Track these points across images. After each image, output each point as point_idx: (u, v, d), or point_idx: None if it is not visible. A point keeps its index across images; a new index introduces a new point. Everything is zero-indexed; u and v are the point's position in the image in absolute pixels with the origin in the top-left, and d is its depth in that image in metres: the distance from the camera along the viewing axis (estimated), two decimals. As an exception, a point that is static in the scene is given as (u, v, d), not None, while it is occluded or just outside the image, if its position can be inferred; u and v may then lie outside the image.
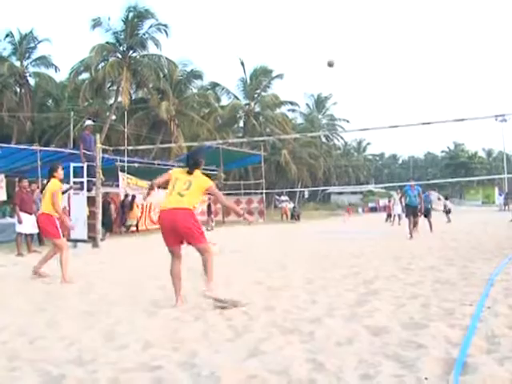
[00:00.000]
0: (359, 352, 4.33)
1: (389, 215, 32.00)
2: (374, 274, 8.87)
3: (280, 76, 53.18)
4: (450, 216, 30.02)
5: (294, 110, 63.50)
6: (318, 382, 3.66)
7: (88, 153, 16.30)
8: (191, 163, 6.74)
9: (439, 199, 43.82)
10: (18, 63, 42.68)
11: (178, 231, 6.43)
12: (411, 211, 17.21)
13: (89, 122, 17.66)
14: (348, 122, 76.60)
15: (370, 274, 8.81)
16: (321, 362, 4.08)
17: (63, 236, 9.37)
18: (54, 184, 9.27)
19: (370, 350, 4.37)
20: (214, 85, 51.60)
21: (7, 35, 42.32)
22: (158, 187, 7.12)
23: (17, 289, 8.18)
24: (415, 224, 17.16)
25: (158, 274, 9.36)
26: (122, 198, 22.34)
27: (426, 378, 3.62)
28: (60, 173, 9.50)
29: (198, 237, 6.49)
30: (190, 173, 6.67)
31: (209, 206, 27.87)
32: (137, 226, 23.11)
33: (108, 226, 18.80)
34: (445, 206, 32.51)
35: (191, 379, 3.82)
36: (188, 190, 6.48)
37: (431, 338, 4.66)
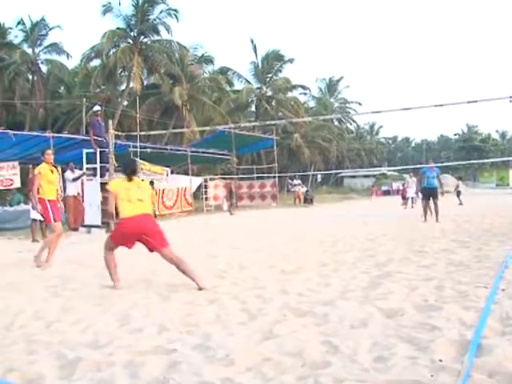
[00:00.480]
0: (373, 334, 4.33)
1: (403, 197, 31.85)
2: (387, 256, 8.85)
3: (291, 60, 52.86)
4: (461, 198, 29.95)
5: (305, 94, 63.28)
6: (332, 365, 3.67)
7: (99, 139, 16.34)
8: (129, 172, 7.10)
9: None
10: (29, 50, 42.71)
11: (147, 235, 6.75)
12: (428, 193, 16.74)
13: (97, 108, 17.68)
14: (360, 104, 76.24)
15: (383, 257, 8.79)
16: (335, 344, 4.09)
17: (54, 220, 9.31)
18: (39, 167, 9.43)
19: (384, 333, 4.37)
20: (226, 69, 51.40)
21: (18, 23, 42.41)
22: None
23: (33, 274, 8.26)
24: (435, 207, 16.56)
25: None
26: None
27: (440, 360, 3.62)
28: (49, 154, 9.62)
29: (164, 241, 6.87)
30: (131, 180, 7.04)
31: (230, 192, 28.13)
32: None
33: None
34: (456, 187, 32.41)
35: (206, 362, 3.84)
36: (143, 195, 6.94)
37: (445, 320, 4.65)
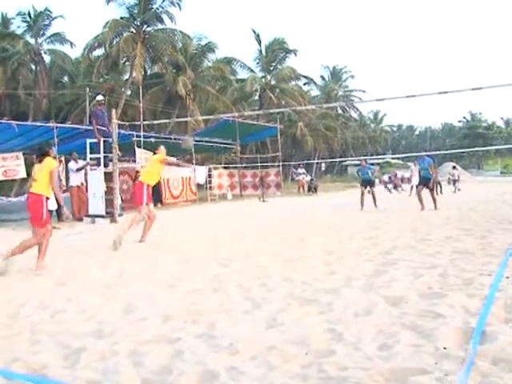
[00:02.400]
0: (377, 322, 4.33)
1: (395, 186, 33.09)
2: (391, 244, 8.84)
3: (295, 52, 52.68)
4: (458, 185, 30.43)
5: (309, 83, 63.07)
6: (336, 353, 3.67)
7: (103, 128, 16.30)
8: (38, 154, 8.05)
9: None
10: (32, 41, 42.66)
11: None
12: (423, 183, 16.92)
13: (100, 97, 17.60)
14: (364, 92, 76.00)
15: (387, 245, 8.78)
16: (339, 332, 4.09)
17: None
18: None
19: (388, 320, 4.37)
20: (229, 58, 51.24)
21: (19, 13, 42.35)
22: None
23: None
24: (432, 197, 16.63)
25: (177, 248, 9.44)
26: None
27: (444, 348, 3.61)
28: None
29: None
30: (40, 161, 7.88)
31: (261, 179, 28.54)
32: (161, 199, 23.48)
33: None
34: (452, 176, 32.62)
35: (210, 350, 3.85)
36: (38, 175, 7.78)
37: (449, 307, 4.64)
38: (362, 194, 18.04)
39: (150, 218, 10.38)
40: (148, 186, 10.27)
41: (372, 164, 27.92)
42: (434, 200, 16.48)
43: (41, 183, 7.82)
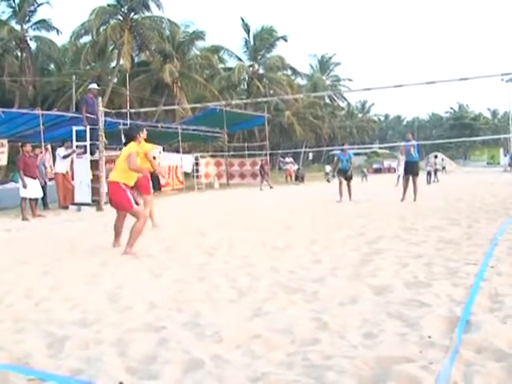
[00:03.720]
0: (363, 311, 4.34)
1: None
2: (378, 234, 8.85)
3: (284, 38, 52.55)
4: (438, 176, 30.97)
5: (295, 74, 63.00)
6: (321, 341, 3.67)
7: (92, 116, 16.19)
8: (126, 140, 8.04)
9: (443, 160, 43.95)
10: (18, 27, 42.15)
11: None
12: (408, 168, 16.12)
13: (93, 86, 17.44)
14: (351, 80, 76.20)
15: (373, 235, 8.79)
16: (325, 321, 4.09)
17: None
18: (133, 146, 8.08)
19: (374, 309, 4.38)
20: (217, 47, 51.01)
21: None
22: None
23: (22, 253, 8.20)
24: (414, 185, 15.87)
25: (163, 236, 9.41)
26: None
27: (429, 337, 3.62)
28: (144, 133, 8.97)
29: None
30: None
31: (262, 168, 28.83)
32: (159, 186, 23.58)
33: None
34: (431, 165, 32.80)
35: (195, 339, 3.83)
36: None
37: (435, 296, 4.66)
38: (340, 183, 16.91)
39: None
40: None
41: (358, 154, 28.13)
42: (414, 189, 15.81)
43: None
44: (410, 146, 16.28)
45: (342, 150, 18.14)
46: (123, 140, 8.25)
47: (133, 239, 7.58)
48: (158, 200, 19.45)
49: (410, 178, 16.09)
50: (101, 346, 3.76)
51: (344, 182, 16.92)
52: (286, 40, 52.67)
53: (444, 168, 41.91)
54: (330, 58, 74.82)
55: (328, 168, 36.75)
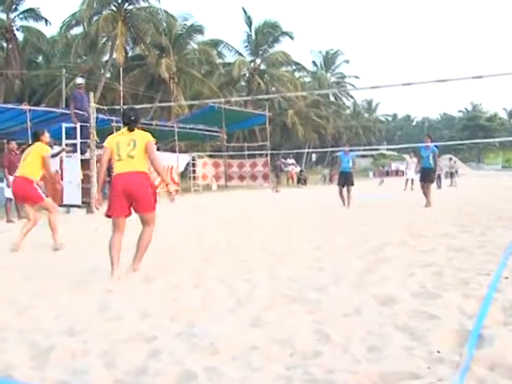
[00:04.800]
0: (367, 323, 4.32)
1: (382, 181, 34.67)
2: (384, 240, 8.83)
3: (290, 33, 52.61)
4: (455, 180, 31.10)
5: (300, 70, 63.09)
6: (323, 354, 3.65)
7: (81, 112, 16.19)
8: (126, 121, 6.62)
9: (455, 162, 44.15)
10: (3, 16, 42.05)
11: (132, 197, 6.37)
12: (423, 174, 16.31)
13: (80, 80, 17.45)
14: (358, 77, 76.33)
15: (379, 241, 8.77)
16: (326, 332, 4.08)
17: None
18: (41, 148, 9.19)
19: (379, 321, 4.36)
20: (216, 40, 51.03)
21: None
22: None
23: (6, 257, 8.19)
24: (426, 190, 15.99)
25: (157, 240, 9.38)
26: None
27: (438, 351, 3.60)
28: (47, 136, 9.54)
29: (150, 205, 6.51)
30: (131, 130, 6.56)
31: (277, 168, 29.38)
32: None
33: None
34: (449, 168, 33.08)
35: (189, 350, 3.82)
36: (134, 151, 6.39)
37: (444, 308, 4.63)
38: (341, 191, 16.70)
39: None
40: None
41: (365, 156, 28.40)
42: (427, 195, 15.89)
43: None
44: (429, 153, 16.25)
45: (344, 150, 17.92)
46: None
47: None
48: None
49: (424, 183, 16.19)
50: (88, 356, 3.74)
51: (344, 189, 16.61)
52: (291, 37, 52.69)
53: (456, 171, 42.12)
54: (335, 53, 74.91)
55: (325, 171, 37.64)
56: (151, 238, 6.71)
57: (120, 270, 6.44)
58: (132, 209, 6.49)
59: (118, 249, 6.48)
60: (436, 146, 17.10)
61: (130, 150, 6.36)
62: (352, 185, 16.66)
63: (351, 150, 18.44)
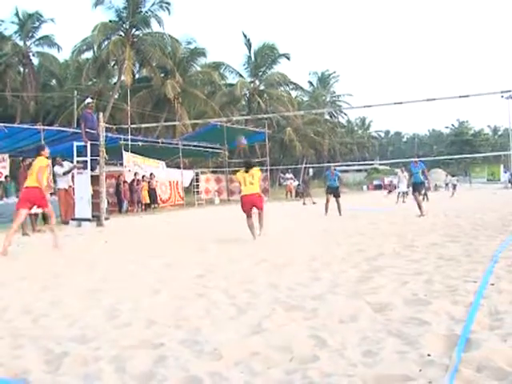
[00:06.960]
0: (362, 329, 4.32)
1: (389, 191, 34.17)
2: (377, 251, 8.83)
3: (286, 55, 52.93)
4: (456, 190, 31.19)
5: (296, 89, 63.31)
6: (320, 359, 3.65)
7: (92, 131, 16.24)
8: (246, 166, 11.72)
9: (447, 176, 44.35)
10: (21, 43, 42.40)
11: (253, 203, 11.22)
12: (415, 188, 16.94)
13: (89, 100, 17.52)
14: (351, 95, 76.66)
15: (373, 251, 8.77)
16: (323, 338, 4.07)
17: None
18: (41, 160, 10.39)
19: (373, 327, 4.36)
20: (218, 63, 51.29)
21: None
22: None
23: (21, 268, 8.20)
24: (418, 203, 16.43)
25: (162, 253, 9.40)
26: (132, 178, 22.55)
27: (428, 355, 3.60)
28: (46, 151, 10.74)
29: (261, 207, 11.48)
30: (247, 171, 11.49)
31: (305, 183, 30.16)
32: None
33: None
34: (450, 181, 33.30)
35: (194, 356, 3.82)
36: (253, 180, 11.35)
37: (434, 314, 4.63)
38: (327, 201, 18.22)
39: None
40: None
41: (359, 170, 28.53)
42: (419, 207, 16.27)
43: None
44: (418, 170, 16.95)
45: (329, 169, 19.57)
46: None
47: None
48: (157, 215, 19.47)
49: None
50: (99, 362, 3.74)
51: (332, 199, 18.15)
52: (288, 58, 53.08)
53: (447, 185, 42.36)
54: (330, 74, 75.22)
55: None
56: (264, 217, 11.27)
57: (254, 236, 10.86)
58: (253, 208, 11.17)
59: (253, 225, 11.15)
60: (423, 162, 17.48)
61: (250, 180, 11.27)
62: (339, 196, 18.33)
63: (347, 165, 19.66)
